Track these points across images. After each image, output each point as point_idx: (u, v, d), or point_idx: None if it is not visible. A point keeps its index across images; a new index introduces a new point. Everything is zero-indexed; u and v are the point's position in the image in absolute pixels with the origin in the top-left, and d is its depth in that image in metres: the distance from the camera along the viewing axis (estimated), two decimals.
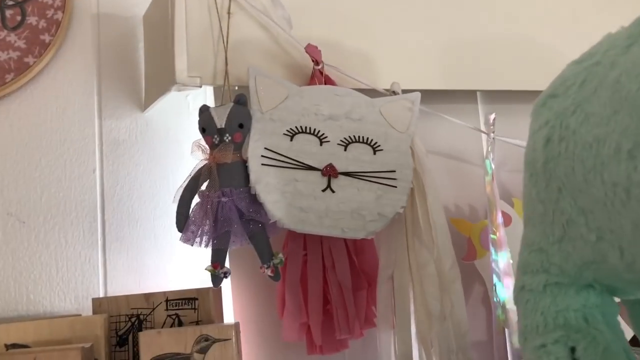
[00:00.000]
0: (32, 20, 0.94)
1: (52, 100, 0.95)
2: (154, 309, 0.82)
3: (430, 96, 0.89)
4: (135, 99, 0.99)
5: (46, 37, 0.94)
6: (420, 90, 0.86)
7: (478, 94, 1.02)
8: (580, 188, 0.52)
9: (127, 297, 0.83)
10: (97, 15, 0.99)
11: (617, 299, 0.60)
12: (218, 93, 0.87)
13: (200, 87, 0.80)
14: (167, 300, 0.82)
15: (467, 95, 1.01)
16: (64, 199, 0.94)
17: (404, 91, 0.87)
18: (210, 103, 0.93)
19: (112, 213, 0.95)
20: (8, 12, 0.93)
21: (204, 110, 0.75)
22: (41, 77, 0.94)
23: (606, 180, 0.48)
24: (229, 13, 0.80)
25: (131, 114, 0.99)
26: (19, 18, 0.93)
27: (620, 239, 0.49)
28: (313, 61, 0.81)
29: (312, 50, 0.81)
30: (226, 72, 0.78)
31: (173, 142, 0.99)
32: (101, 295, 0.92)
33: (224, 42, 0.79)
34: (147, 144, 0.99)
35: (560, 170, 0.54)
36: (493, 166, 0.90)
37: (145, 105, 0.98)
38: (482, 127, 0.95)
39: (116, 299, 0.83)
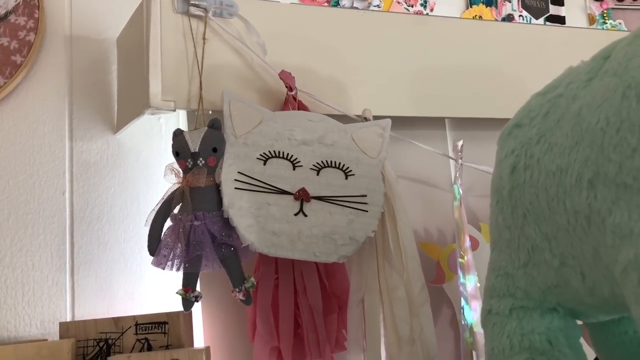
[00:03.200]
0: (3, 41, 0.93)
1: (22, 121, 0.94)
2: (123, 333, 0.81)
3: (400, 122, 0.92)
4: (107, 121, 0.99)
5: (17, 58, 0.93)
6: (391, 117, 0.88)
7: (446, 120, 1.04)
8: (544, 215, 0.54)
9: (95, 321, 0.82)
10: (69, 37, 0.99)
11: (580, 322, 0.62)
12: (191, 116, 0.88)
13: (174, 110, 0.81)
14: (136, 325, 0.81)
15: (436, 122, 1.04)
16: (32, 221, 0.92)
17: (375, 117, 0.89)
18: (183, 126, 0.94)
19: (81, 236, 0.94)
20: None
21: (177, 134, 0.76)
22: (12, 98, 0.94)
23: (568, 208, 0.50)
24: (204, 39, 0.81)
25: (103, 135, 0.98)
26: None
27: (581, 264, 0.51)
28: (287, 87, 0.83)
29: (285, 77, 0.82)
30: (200, 97, 0.79)
31: (144, 164, 0.99)
32: (69, 319, 0.91)
33: (198, 67, 0.80)
34: (118, 166, 0.98)
35: (525, 197, 0.56)
36: (461, 191, 0.93)
37: (117, 127, 0.98)
38: (451, 154, 0.98)
39: (84, 323, 0.82)
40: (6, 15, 0.94)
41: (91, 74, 1.00)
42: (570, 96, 0.54)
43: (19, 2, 0.94)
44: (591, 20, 1.39)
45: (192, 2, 0.81)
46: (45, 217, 0.93)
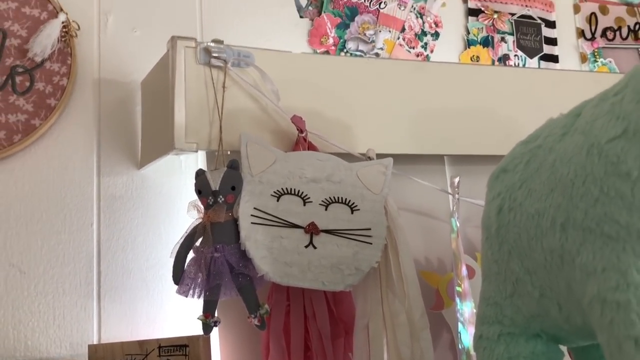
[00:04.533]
0: (39, 85, 1.02)
1: (55, 159, 1.03)
2: (147, 355, 0.88)
3: (402, 159, 1.00)
4: (131, 158, 1.07)
5: (52, 101, 1.02)
6: (393, 155, 0.96)
7: (445, 157, 1.12)
8: (525, 252, 0.61)
9: (122, 343, 0.90)
10: (98, 80, 1.08)
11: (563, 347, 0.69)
12: (210, 155, 0.96)
13: (197, 152, 0.89)
14: (159, 347, 0.88)
15: (436, 158, 1.12)
16: (63, 251, 1.00)
17: (379, 155, 0.96)
18: (201, 163, 1.02)
19: (107, 264, 1.02)
20: (18, 79, 1.01)
21: (200, 174, 0.84)
22: (45, 137, 1.02)
23: (545, 247, 0.57)
24: (223, 87, 0.89)
25: (128, 171, 1.07)
26: (27, 84, 1.02)
27: (558, 296, 0.58)
28: (298, 130, 0.91)
29: (297, 120, 0.90)
30: (220, 139, 0.87)
31: (166, 198, 1.07)
32: (95, 342, 0.98)
33: (219, 112, 0.89)
34: (142, 199, 1.07)
35: (509, 236, 0.64)
36: (458, 224, 1.00)
37: (141, 163, 1.07)
38: (449, 189, 1.05)
39: (111, 345, 0.90)
40: (42, 62, 1.03)
41: (117, 114, 1.08)
42: (548, 148, 0.62)
43: (54, 50, 1.03)
44: (583, 58, 1.47)
45: (213, 55, 0.90)
46: (74, 247, 1.01)
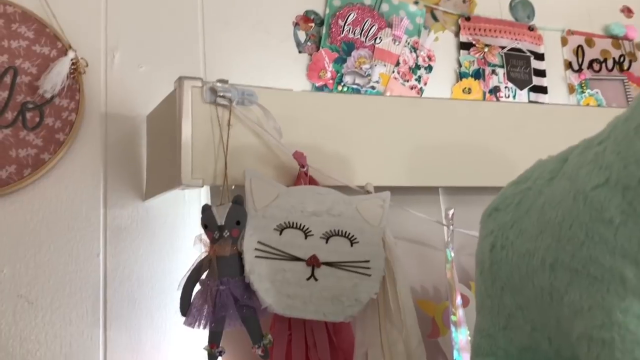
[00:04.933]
0: (49, 121, 1.06)
1: (63, 192, 1.06)
2: None
3: (400, 190, 1.04)
4: (137, 190, 1.11)
5: (61, 136, 1.06)
6: (390, 187, 1.01)
7: (440, 189, 1.16)
8: (517, 289, 0.65)
9: None
10: (105, 115, 1.12)
11: None
12: (214, 189, 1.00)
13: (202, 187, 0.93)
14: None
15: (431, 190, 1.16)
16: (70, 281, 1.03)
17: (376, 188, 1.01)
18: (205, 196, 1.06)
19: (113, 294, 1.05)
20: (29, 114, 1.05)
21: (206, 209, 0.87)
22: (54, 171, 1.06)
23: (535, 285, 0.61)
24: (228, 125, 0.94)
25: (133, 203, 1.10)
26: (37, 119, 1.05)
27: (548, 330, 0.62)
28: (299, 165, 0.95)
29: (298, 156, 0.94)
30: (225, 175, 0.91)
31: (170, 229, 1.11)
32: None
33: (224, 149, 0.93)
34: (147, 230, 1.10)
35: (502, 272, 0.68)
36: (452, 254, 1.04)
37: (146, 195, 1.10)
38: (443, 220, 1.09)
39: None
40: (52, 98, 1.06)
41: (123, 147, 1.12)
42: (537, 190, 0.66)
43: (64, 87, 1.07)
44: (571, 89, 1.52)
45: (219, 94, 0.94)
46: (81, 278, 1.04)
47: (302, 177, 0.96)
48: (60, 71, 1.06)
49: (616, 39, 1.60)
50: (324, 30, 1.32)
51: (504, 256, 0.68)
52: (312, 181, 0.97)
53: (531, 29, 1.52)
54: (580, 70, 1.54)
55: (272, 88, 1.01)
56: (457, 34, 1.46)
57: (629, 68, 1.58)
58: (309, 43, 1.32)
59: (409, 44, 1.39)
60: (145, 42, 1.18)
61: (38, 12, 1.11)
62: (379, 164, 1.06)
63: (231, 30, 1.26)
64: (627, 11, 1.67)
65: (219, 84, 0.95)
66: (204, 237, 0.87)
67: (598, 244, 0.54)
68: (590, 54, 1.56)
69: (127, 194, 1.10)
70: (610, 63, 1.57)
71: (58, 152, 1.05)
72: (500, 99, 1.43)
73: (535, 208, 0.65)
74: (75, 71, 1.09)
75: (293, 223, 0.90)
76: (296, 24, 1.32)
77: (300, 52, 1.31)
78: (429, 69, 1.40)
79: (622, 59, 1.58)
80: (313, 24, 1.33)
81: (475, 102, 1.33)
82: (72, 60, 1.08)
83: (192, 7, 1.24)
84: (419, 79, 1.38)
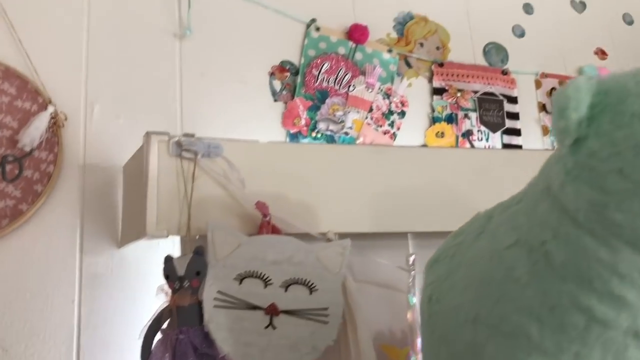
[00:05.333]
0: (28, 173, 1.11)
1: (40, 241, 1.10)
2: None
3: (369, 236, 1.07)
4: (112, 237, 1.15)
5: (39, 187, 1.11)
6: (356, 233, 1.04)
7: (409, 234, 1.19)
8: (450, 342, 0.68)
9: None
10: (83, 166, 1.17)
11: None
12: (183, 239, 1.04)
13: (167, 237, 0.96)
14: None
15: (400, 235, 1.19)
16: (45, 328, 1.07)
17: (343, 234, 1.04)
18: (176, 245, 1.09)
19: (87, 340, 1.08)
20: (8, 167, 1.10)
21: (168, 260, 0.91)
22: (32, 220, 1.10)
23: (462, 339, 0.64)
24: (193, 177, 0.98)
25: (108, 250, 1.14)
26: (17, 172, 1.10)
27: None
28: (262, 215, 0.98)
29: (260, 206, 0.98)
30: (188, 227, 0.95)
31: (143, 275, 1.14)
32: None
33: (188, 201, 0.97)
34: (121, 277, 1.14)
35: (438, 325, 0.70)
36: (414, 300, 1.06)
37: (121, 242, 1.14)
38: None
39: None
40: (31, 151, 1.12)
41: (100, 196, 1.17)
42: (467, 245, 0.69)
43: (42, 140, 1.12)
44: (545, 131, 1.56)
45: (184, 147, 0.98)
46: (55, 324, 1.08)
47: (264, 226, 0.99)
48: (38, 126, 1.11)
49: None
50: (298, 79, 1.37)
51: (438, 309, 0.70)
52: (275, 229, 1.00)
53: (504, 73, 1.56)
54: None
55: (238, 140, 1.05)
56: (430, 80, 1.50)
57: None
58: (284, 92, 1.37)
59: (382, 90, 1.43)
60: (124, 94, 1.24)
61: (21, 68, 1.17)
62: (344, 211, 1.09)
63: (208, 81, 1.31)
64: (601, 53, 1.71)
65: (184, 138, 0.99)
66: (166, 287, 0.90)
67: (509, 302, 0.56)
68: None
69: (102, 242, 1.14)
70: None
71: (36, 203, 1.10)
72: (473, 141, 1.47)
73: (464, 263, 0.68)
74: (55, 125, 1.14)
75: (253, 272, 0.93)
76: (272, 74, 1.37)
77: (275, 100, 1.36)
78: (402, 114, 1.44)
79: None
80: (288, 74, 1.38)
81: (441, 149, 1.37)
82: (51, 114, 1.14)
83: (170, 60, 1.30)
84: (392, 124, 1.42)
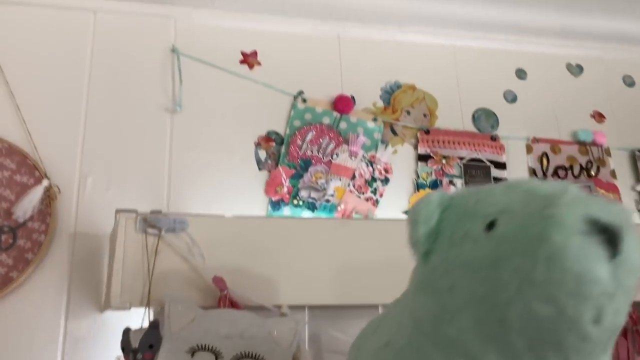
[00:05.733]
0: (21, 242, 1.21)
1: (28, 305, 1.19)
2: None
3: (338, 307, 1.11)
4: (96, 302, 1.23)
5: (29, 255, 1.21)
6: (316, 305, 1.08)
7: (379, 306, 1.22)
8: None
9: None
10: (73, 234, 1.26)
11: None
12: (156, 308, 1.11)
13: (130, 309, 1.04)
14: None
15: (370, 307, 1.22)
16: None
17: (301, 306, 1.08)
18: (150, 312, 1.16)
19: None
20: (3, 236, 1.21)
21: (124, 333, 0.98)
22: (22, 286, 1.20)
23: None
24: (155, 252, 1.05)
25: (92, 314, 1.22)
26: (11, 241, 1.21)
27: None
28: (218, 289, 1.04)
29: (217, 281, 1.04)
30: (148, 300, 1.02)
31: None
32: None
33: (149, 275, 1.04)
34: (102, 340, 1.21)
35: None
36: None
37: (103, 307, 1.22)
38: None
39: None
40: (25, 222, 1.22)
41: (87, 263, 1.25)
42: (365, 338, 0.72)
43: (35, 212, 1.23)
44: None
45: (149, 223, 1.06)
46: None
47: (222, 299, 1.05)
48: (32, 199, 1.22)
49: (583, 145, 1.63)
50: (283, 149, 1.44)
51: None
52: (233, 303, 1.06)
53: (493, 138, 1.58)
54: (544, 177, 1.57)
55: (204, 214, 1.12)
56: (416, 147, 1.54)
57: (597, 174, 1.60)
58: (269, 161, 1.44)
59: (365, 158, 1.48)
60: (115, 166, 1.34)
61: (22, 144, 1.29)
62: (306, 283, 1.14)
63: (196, 152, 1.40)
64: (598, 116, 1.70)
65: (150, 215, 1.07)
66: (122, 359, 0.97)
67: None
68: (556, 160, 1.60)
69: (87, 307, 1.22)
70: (576, 169, 1.60)
71: (26, 270, 1.20)
72: None
73: (362, 355, 0.71)
74: (48, 197, 1.25)
75: (205, 345, 0.99)
76: (258, 144, 1.44)
77: (260, 169, 1.43)
78: (386, 181, 1.48)
79: (589, 165, 1.61)
80: (274, 143, 1.45)
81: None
82: (45, 187, 1.25)
83: (161, 134, 1.39)
84: (374, 191, 1.46)
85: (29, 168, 1.27)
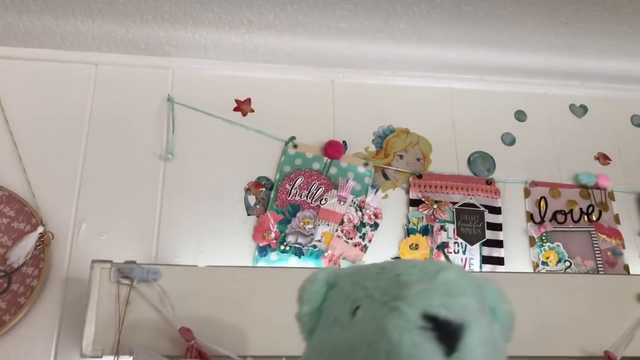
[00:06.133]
0: (15, 287, 1.28)
1: (19, 348, 1.25)
2: None
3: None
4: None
5: (22, 299, 1.27)
6: (287, 356, 1.09)
7: None
8: None
9: None
10: (65, 279, 1.32)
11: None
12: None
13: (101, 357, 1.07)
14: None
15: None
16: None
17: (271, 356, 1.09)
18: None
19: None
20: None
21: None
22: (14, 330, 1.26)
23: None
24: (126, 302, 1.09)
25: (75, 357, 1.27)
26: (5, 285, 1.27)
27: None
28: (185, 340, 1.07)
29: (183, 332, 1.07)
30: (117, 350, 1.05)
31: None
32: None
33: (119, 324, 1.07)
34: None
35: None
36: None
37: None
38: None
39: None
40: (19, 267, 1.29)
41: (78, 308, 1.30)
42: None
43: (28, 257, 1.29)
44: (532, 242, 1.52)
45: (122, 274, 1.10)
46: None
47: (189, 350, 1.07)
48: (25, 245, 1.29)
49: (585, 189, 1.59)
50: (272, 194, 1.47)
51: None
52: (200, 353, 1.08)
53: (489, 182, 1.56)
54: (542, 222, 1.54)
55: (177, 265, 1.16)
56: (408, 191, 1.54)
57: (598, 218, 1.55)
58: (258, 206, 1.46)
59: (354, 203, 1.49)
60: (109, 212, 1.39)
61: (21, 192, 1.37)
62: (276, 334, 1.15)
63: (187, 197, 1.44)
64: (603, 158, 1.65)
65: (124, 265, 1.11)
66: None
67: None
68: (555, 205, 1.56)
69: (74, 351, 1.27)
70: (576, 214, 1.55)
71: (18, 314, 1.26)
72: (449, 254, 1.47)
73: None
74: (42, 243, 1.32)
75: None
76: (248, 189, 1.48)
77: (249, 214, 1.46)
78: (375, 226, 1.48)
79: (590, 209, 1.56)
80: (264, 189, 1.48)
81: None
82: (40, 234, 1.31)
83: (154, 180, 1.45)
84: (363, 237, 1.46)
85: (26, 215, 1.34)
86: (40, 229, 1.32)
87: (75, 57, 1.52)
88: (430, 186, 1.54)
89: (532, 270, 1.48)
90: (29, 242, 1.30)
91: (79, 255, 1.35)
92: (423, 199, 1.52)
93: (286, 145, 1.53)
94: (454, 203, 1.52)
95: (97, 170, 1.43)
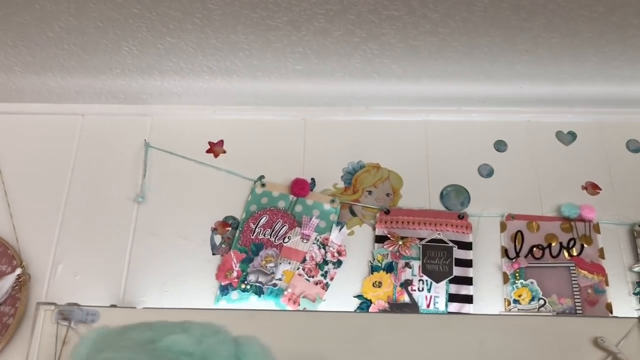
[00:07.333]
0: None
1: None
2: None
3: None
4: None
5: None
6: None
7: None
8: None
9: None
10: (41, 316, 1.42)
11: None
12: None
13: None
14: None
15: None
16: None
17: None
18: None
19: None
20: None
21: None
22: None
23: None
24: (63, 343, 1.16)
25: None
26: None
27: None
28: None
29: None
30: None
31: None
32: None
33: None
34: None
35: None
36: None
37: None
38: None
39: None
40: None
41: (51, 346, 1.40)
42: None
43: (5, 297, 1.40)
44: (505, 278, 1.45)
45: (62, 315, 1.18)
46: None
47: None
48: (2, 286, 1.40)
49: (567, 221, 1.50)
50: (237, 233, 1.51)
51: None
52: None
53: (461, 217, 1.51)
54: (517, 257, 1.46)
55: (116, 307, 1.22)
56: (374, 227, 1.52)
57: (580, 253, 1.45)
58: (223, 245, 1.51)
59: (318, 240, 1.49)
60: (84, 254, 1.49)
61: (7, 236, 1.49)
62: None
63: (156, 239, 1.51)
64: (592, 187, 1.55)
65: (65, 307, 1.19)
66: None
67: None
68: (532, 239, 1.48)
69: None
70: (555, 248, 1.46)
71: None
72: (413, 292, 1.43)
73: None
74: (20, 284, 1.43)
75: None
76: (214, 229, 1.52)
77: (214, 254, 1.50)
78: (339, 263, 1.47)
79: (571, 243, 1.46)
80: (230, 228, 1.53)
81: (320, 313, 1.37)
82: (18, 275, 1.43)
83: (127, 222, 1.53)
84: (325, 275, 1.46)
85: (9, 258, 1.46)
86: (18, 271, 1.43)
87: (63, 109, 1.65)
88: (397, 222, 1.51)
89: (504, 309, 1.41)
90: (7, 283, 1.41)
91: (54, 296, 1.44)
92: (389, 235, 1.49)
93: (254, 184, 1.56)
94: (421, 239, 1.49)
95: (77, 213, 1.54)
